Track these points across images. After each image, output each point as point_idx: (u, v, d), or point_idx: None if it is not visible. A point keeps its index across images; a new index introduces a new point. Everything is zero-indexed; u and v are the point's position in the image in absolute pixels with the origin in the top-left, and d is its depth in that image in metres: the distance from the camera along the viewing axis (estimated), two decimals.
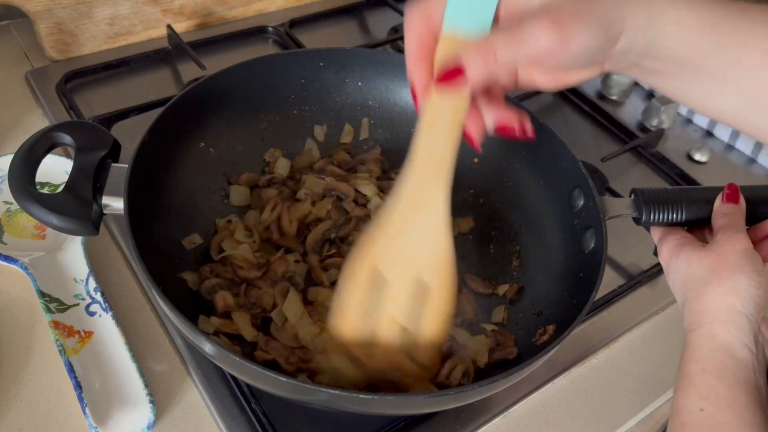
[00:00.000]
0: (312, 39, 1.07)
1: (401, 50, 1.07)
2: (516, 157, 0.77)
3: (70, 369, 0.62)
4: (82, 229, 0.56)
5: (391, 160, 0.81)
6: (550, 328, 0.63)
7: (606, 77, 1.09)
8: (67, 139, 0.59)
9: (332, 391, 0.51)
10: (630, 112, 1.07)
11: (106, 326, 0.66)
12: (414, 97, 0.52)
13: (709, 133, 1.06)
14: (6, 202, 0.75)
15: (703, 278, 0.55)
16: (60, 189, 0.57)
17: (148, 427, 0.60)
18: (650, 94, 1.10)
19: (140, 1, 0.97)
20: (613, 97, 1.08)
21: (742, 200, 0.60)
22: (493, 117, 0.53)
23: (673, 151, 1.01)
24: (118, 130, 0.85)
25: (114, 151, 0.60)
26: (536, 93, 1.03)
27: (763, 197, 0.62)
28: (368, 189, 0.77)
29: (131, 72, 0.96)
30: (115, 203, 0.58)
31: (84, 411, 0.59)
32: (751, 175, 1.01)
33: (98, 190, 0.57)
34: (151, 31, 1.01)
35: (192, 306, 0.65)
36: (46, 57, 0.95)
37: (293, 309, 0.65)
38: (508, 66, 0.46)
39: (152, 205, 0.64)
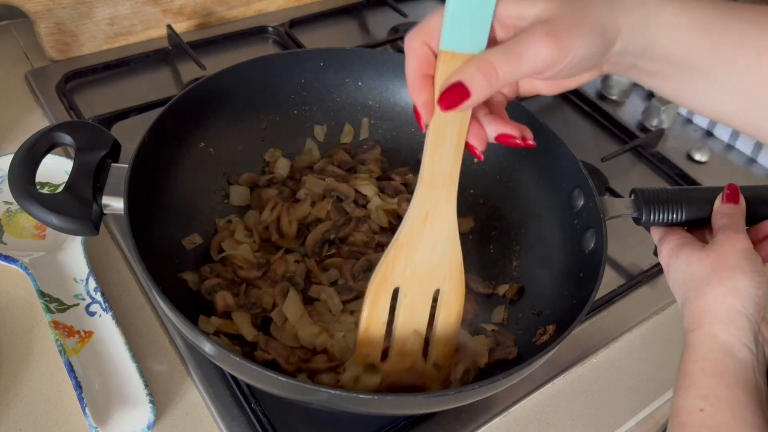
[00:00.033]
0: (312, 39, 1.07)
1: (401, 50, 1.07)
2: (516, 157, 0.77)
3: (70, 369, 0.62)
4: (82, 229, 0.56)
5: (391, 160, 0.81)
6: (550, 328, 0.63)
7: (606, 77, 1.09)
8: (67, 139, 0.59)
9: (332, 391, 0.51)
10: (630, 112, 1.07)
11: (106, 326, 0.66)
12: (417, 118, 0.52)
13: (709, 133, 1.06)
14: (6, 202, 0.75)
15: (703, 278, 0.55)
16: (60, 189, 0.57)
17: (148, 427, 0.60)
18: (650, 94, 1.10)
19: (140, 1, 0.97)
20: (613, 97, 1.08)
21: (742, 200, 0.60)
22: (494, 127, 0.54)
23: (673, 151, 1.01)
24: (118, 130, 0.85)
25: (114, 151, 0.60)
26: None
27: (763, 197, 0.62)
28: (368, 189, 0.77)
29: (131, 72, 0.96)
30: (115, 203, 0.58)
31: (84, 411, 0.59)
32: (751, 175, 1.01)
33: (98, 190, 0.57)
34: (151, 31, 1.01)
35: (192, 306, 0.65)
36: (46, 57, 0.95)
37: (293, 309, 0.65)
38: (509, 81, 0.46)
39: (152, 205, 0.64)
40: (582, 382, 0.72)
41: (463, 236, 0.77)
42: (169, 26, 0.98)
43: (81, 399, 0.60)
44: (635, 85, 1.10)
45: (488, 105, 0.54)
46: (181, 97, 0.68)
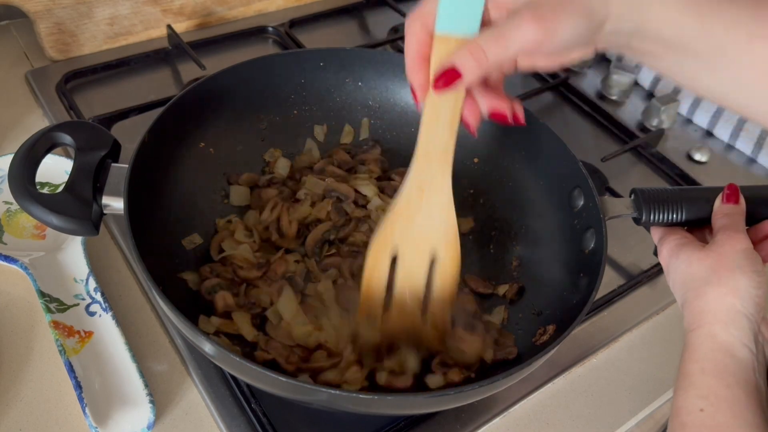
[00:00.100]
0: (312, 39, 1.07)
1: (401, 50, 1.07)
2: (516, 157, 0.77)
3: (70, 369, 0.62)
4: (82, 229, 0.56)
5: (391, 160, 0.81)
6: (550, 328, 0.63)
7: (606, 77, 1.09)
8: (67, 139, 0.59)
9: (332, 391, 0.51)
10: (630, 112, 1.07)
11: (106, 326, 0.66)
12: (414, 97, 0.56)
13: (709, 133, 1.06)
14: (6, 202, 0.75)
15: (703, 278, 0.55)
16: (60, 189, 0.57)
17: (148, 427, 0.60)
18: (650, 94, 1.10)
19: (140, 1, 0.97)
20: (613, 97, 1.08)
21: (742, 200, 0.60)
22: (488, 105, 0.57)
23: (673, 151, 1.01)
24: (118, 130, 0.85)
25: (114, 151, 0.60)
26: (536, 93, 1.03)
27: (763, 197, 0.62)
28: (368, 189, 0.77)
29: (131, 72, 0.96)
30: (115, 203, 0.58)
31: (84, 411, 0.59)
32: (751, 175, 1.01)
33: (98, 190, 0.57)
34: (151, 31, 1.01)
35: (192, 306, 0.65)
36: (46, 57, 0.95)
37: (288, 307, 0.65)
38: (499, 62, 0.49)
39: (152, 205, 0.64)
40: (582, 382, 0.72)
41: (463, 236, 0.77)
42: (169, 26, 0.99)
43: (81, 399, 0.60)
44: (635, 85, 1.10)
45: (484, 84, 0.56)
46: (181, 97, 0.68)
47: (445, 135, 0.57)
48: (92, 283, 0.69)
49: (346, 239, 0.74)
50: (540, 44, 0.47)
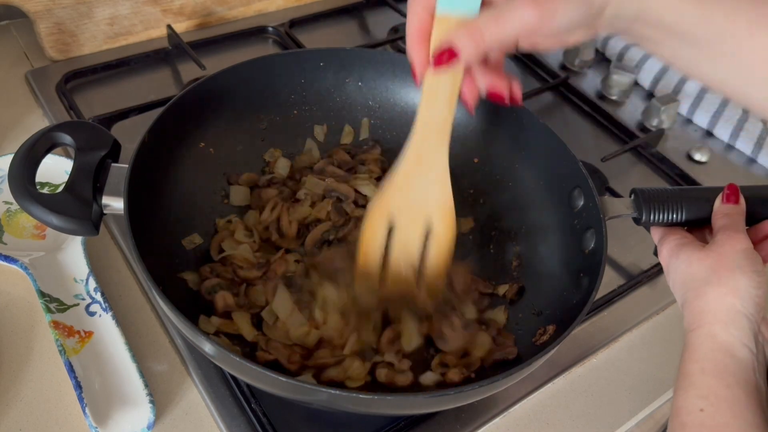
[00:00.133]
0: (312, 39, 1.07)
1: (401, 50, 1.07)
2: (516, 157, 0.77)
3: (70, 369, 0.62)
4: (82, 229, 0.56)
5: (391, 160, 0.81)
6: (550, 328, 0.63)
7: (606, 77, 1.09)
8: (67, 139, 0.59)
9: (332, 391, 0.51)
10: (630, 112, 1.07)
11: (106, 326, 0.66)
12: (414, 74, 0.58)
13: (709, 133, 1.06)
14: (6, 202, 0.75)
15: (703, 278, 0.55)
16: (60, 189, 0.57)
17: (148, 427, 0.60)
18: (650, 94, 1.10)
19: (140, 1, 0.97)
20: (613, 97, 1.08)
21: (742, 200, 0.60)
22: (486, 84, 0.58)
23: (673, 151, 1.01)
24: (118, 130, 0.85)
25: (114, 151, 0.60)
26: (536, 93, 1.03)
27: (763, 197, 0.62)
28: (368, 189, 0.77)
29: (131, 72, 0.96)
30: (115, 203, 0.58)
31: (84, 411, 0.59)
32: (751, 175, 1.01)
33: (98, 190, 0.57)
34: (151, 31, 1.01)
35: (192, 306, 0.65)
36: (46, 57, 0.95)
37: (283, 306, 0.65)
38: (497, 43, 0.50)
39: (152, 205, 0.64)
40: (582, 382, 0.72)
41: (463, 236, 0.77)
42: (169, 26, 0.99)
43: (81, 399, 0.60)
44: (635, 85, 1.10)
45: (484, 63, 0.58)
46: (181, 97, 0.68)
47: (443, 111, 0.60)
48: (92, 283, 0.69)
49: (346, 239, 0.74)
50: (538, 27, 0.48)
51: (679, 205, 0.63)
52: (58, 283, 0.69)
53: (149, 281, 0.53)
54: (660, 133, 1.00)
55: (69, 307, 0.67)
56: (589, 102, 1.04)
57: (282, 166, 0.78)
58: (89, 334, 0.65)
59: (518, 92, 0.59)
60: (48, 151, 0.58)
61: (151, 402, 0.61)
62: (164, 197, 0.67)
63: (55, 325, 0.65)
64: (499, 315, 0.70)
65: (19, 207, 0.55)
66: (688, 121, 1.07)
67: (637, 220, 0.64)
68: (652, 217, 0.63)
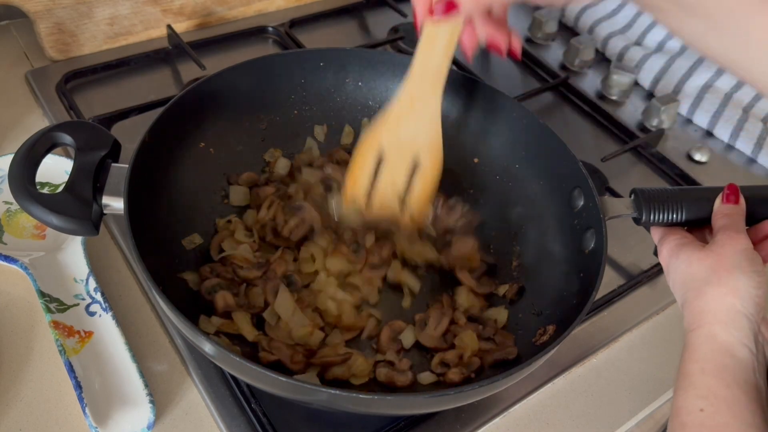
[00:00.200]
0: (312, 39, 1.07)
1: (401, 50, 1.07)
2: (516, 157, 0.77)
3: (70, 369, 0.62)
4: (82, 229, 0.56)
5: None
6: (550, 328, 0.63)
7: (606, 77, 1.09)
8: (67, 139, 0.59)
9: (332, 391, 0.51)
10: (630, 112, 1.07)
11: (106, 326, 0.66)
12: (415, 21, 0.61)
13: (709, 133, 1.06)
14: (6, 202, 0.75)
15: (703, 278, 0.55)
16: (60, 189, 0.57)
17: (148, 427, 0.60)
18: (650, 94, 1.10)
19: (140, 1, 0.97)
20: (613, 97, 1.08)
21: (742, 200, 0.60)
22: (486, 35, 0.60)
23: (673, 151, 1.01)
24: (118, 130, 0.85)
25: (114, 151, 0.60)
26: (536, 93, 1.03)
27: (763, 197, 0.62)
28: None
29: (131, 72, 0.96)
30: (115, 203, 0.58)
31: (84, 411, 0.59)
32: (751, 175, 1.01)
33: (98, 190, 0.57)
34: (151, 31, 1.01)
35: (192, 306, 0.65)
36: (46, 57, 0.95)
37: (285, 306, 0.65)
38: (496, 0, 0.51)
39: (152, 205, 0.64)
40: (582, 382, 0.72)
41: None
42: (169, 26, 0.98)
43: (81, 399, 0.60)
44: (635, 85, 1.10)
45: (487, 12, 0.60)
46: (181, 97, 0.68)
47: (439, 59, 0.64)
48: (92, 283, 0.69)
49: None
50: None
51: (679, 205, 0.63)
52: (58, 283, 0.69)
53: (149, 281, 0.53)
54: (660, 133, 1.00)
55: (69, 307, 0.67)
56: (589, 102, 1.04)
57: (282, 166, 0.78)
58: (89, 334, 0.65)
59: (517, 46, 0.61)
60: (48, 151, 0.58)
61: (151, 402, 0.61)
62: (164, 197, 0.67)
63: (55, 325, 0.65)
64: (500, 315, 0.70)
65: (19, 207, 0.55)
66: (688, 121, 1.07)
67: (637, 220, 0.64)
68: (652, 217, 0.63)
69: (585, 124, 1.03)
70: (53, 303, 0.67)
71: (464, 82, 0.79)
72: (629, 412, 0.71)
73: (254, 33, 1.06)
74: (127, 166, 0.59)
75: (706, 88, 1.07)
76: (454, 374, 0.63)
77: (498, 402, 0.68)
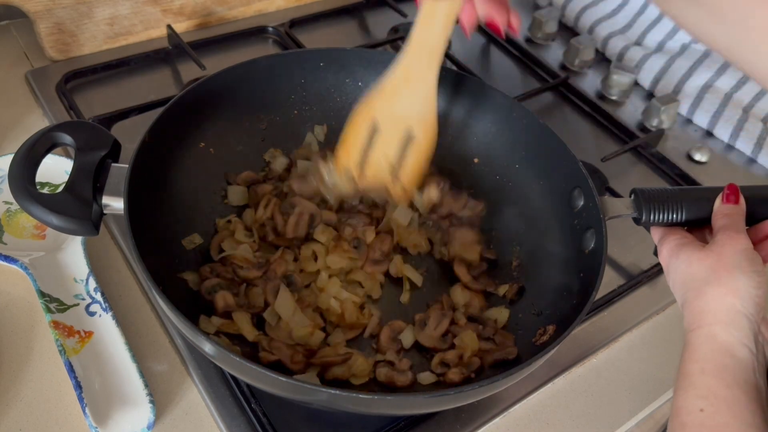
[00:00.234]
0: (312, 39, 1.07)
1: None
2: (516, 158, 0.77)
3: (70, 369, 0.62)
4: (82, 229, 0.56)
5: None
6: (550, 328, 0.63)
7: (606, 77, 1.09)
8: (67, 139, 0.59)
9: (332, 391, 0.51)
10: (630, 112, 1.07)
11: (106, 326, 0.66)
12: None
13: (709, 133, 1.06)
14: (6, 202, 0.75)
15: (703, 278, 0.55)
16: (60, 189, 0.57)
17: (148, 427, 0.60)
18: (650, 94, 1.10)
19: (140, 1, 0.97)
20: (613, 97, 1.08)
21: (742, 200, 0.60)
22: (486, 13, 0.61)
23: (673, 151, 1.01)
24: (118, 130, 0.85)
25: (114, 151, 0.60)
26: (536, 93, 1.03)
27: (763, 197, 0.62)
28: None
29: (131, 72, 0.96)
30: (115, 203, 0.58)
31: (84, 411, 0.59)
32: (751, 175, 1.01)
33: (98, 190, 0.57)
34: (151, 31, 1.01)
35: (192, 306, 0.65)
36: (46, 57, 0.95)
37: (285, 306, 0.65)
38: None
39: (152, 205, 0.64)
40: (582, 382, 0.72)
41: None
42: (169, 26, 0.98)
43: (81, 399, 0.60)
44: (635, 85, 1.10)
45: None
46: (181, 97, 0.68)
47: (437, 35, 0.64)
48: (92, 283, 0.69)
49: (343, 207, 0.76)
50: None
51: (679, 205, 0.63)
52: (58, 283, 0.69)
53: (149, 281, 0.53)
54: (660, 133, 1.00)
55: (69, 307, 0.67)
56: (589, 102, 1.04)
57: (280, 163, 0.78)
58: (89, 334, 0.65)
59: (516, 23, 0.62)
60: (48, 151, 0.58)
61: (151, 402, 0.61)
62: (164, 197, 0.67)
63: (55, 325, 0.65)
64: (500, 314, 0.70)
65: (19, 207, 0.55)
66: (688, 121, 1.07)
67: (637, 220, 0.64)
68: (652, 217, 0.63)
69: (585, 124, 1.03)
70: (53, 303, 0.67)
71: (464, 81, 0.79)
72: (629, 412, 0.71)
73: (254, 33, 1.06)
74: (127, 166, 0.59)
75: (706, 88, 1.07)
76: (454, 374, 0.63)
77: (498, 402, 0.68)
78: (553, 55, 1.15)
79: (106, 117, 0.86)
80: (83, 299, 0.68)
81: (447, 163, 0.80)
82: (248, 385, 0.64)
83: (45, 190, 0.75)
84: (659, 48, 1.15)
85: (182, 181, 0.70)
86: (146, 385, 0.62)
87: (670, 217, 0.63)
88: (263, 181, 0.77)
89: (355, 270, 0.72)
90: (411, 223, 0.75)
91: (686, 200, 0.63)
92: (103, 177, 0.58)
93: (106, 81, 0.94)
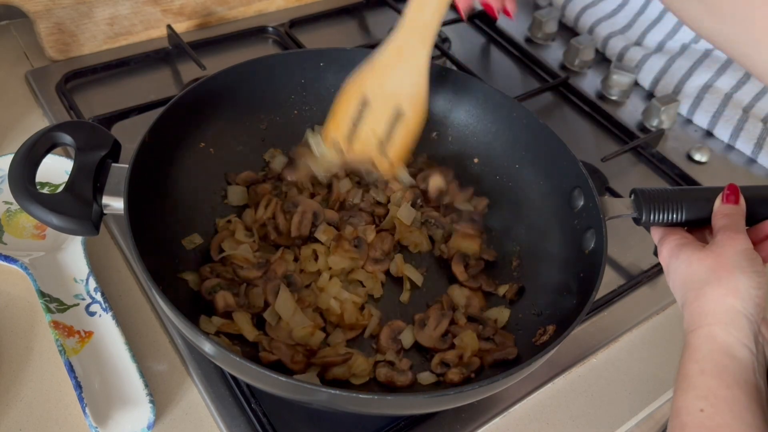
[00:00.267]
0: (312, 39, 1.07)
1: None
2: (516, 158, 0.77)
3: (70, 369, 0.62)
4: (82, 229, 0.56)
5: None
6: (550, 328, 0.63)
7: (606, 77, 1.09)
8: (67, 139, 0.59)
9: (332, 391, 0.51)
10: (630, 112, 1.07)
11: (106, 326, 0.66)
12: None
13: (709, 133, 1.06)
14: (6, 202, 0.75)
15: (703, 279, 0.55)
16: (60, 189, 0.57)
17: (148, 427, 0.60)
18: (650, 94, 1.10)
19: (140, 1, 0.97)
20: (613, 97, 1.08)
21: (742, 201, 0.60)
22: None
23: (673, 151, 1.01)
24: (118, 130, 0.85)
25: (114, 151, 0.60)
26: (536, 93, 1.03)
27: (763, 197, 0.62)
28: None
29: (131, 72, 0.96)
30: (115, 203, 0.58)
31: (84, 411, 0.59)
32: (751, 175, 1.01)
33: (98, 190, 0.57)
34: (151, 31, 1.01)
35: (193, 306, 0.65)
36: (46, 57, 0.95)
37: (286, 306, 0.65)
38: None
39: (152, 205, 0.64)
40: (582, 382, 0.72)
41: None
42: (169, 26, 0.98)
43: (81, 399, 0.60)
44: (635, 85, 1.10)
45: None
46: (181, 97, 0.68)
47: (430, 16, 0.66)
48: (92, 283, 0.69)
49: (345, 205, 0.76)
50: None
51: (679, 206, 0.63)
52: (58, 283, 0.69)
53: (149, 281, 0.53)
54: (660, 133, 1.00)
55: (69, 307, 0.67)
56: (589, 102, 1.04)
57: (279, 162, 0.78)
58: (89, 334, 0.65)
59: (511, 8, 0.63)
60: (48, 151, 0.58)
61: (151, 402, 0.61)
62: (164, 197, 0.67)
63: (55, 325, 0.65)
64: (500, 314, 0.70)
65: (19, 207, 0.55)
66: (688, 121, 1.07)
67: (637, 221, 0.64)
68: (652, 218, 0.63)
69: (585, 124, 1.03)
70: (53, 303, 0.67)
71: (464, 81, 0.79)
72: (629, 412, 0.71)
73: (254, 33, 1.06)
74: (127, 166, 0.59)
75: (706, 88, 1.07)
76: (454, 374, 0.63)
77: (498, 402, 0.68)
78: (553, 55, 1.15)
79: (106, 117, 0.86)
80: (83, 299, 0.68)
81: (447, 163, 0.80)
82: (248, 385, 0.64)
83: (45, 190, 0.75)
84: (659, 48, 1.15)
85: (182, 181, 0.70)
86: (146, 385, 0.62)
87: (670, 217, 0.63)
88: (263, 181, 0.77)
89: (356, 269, 0.72)
90: (413, 222, 0.75)
91: (686, 200, 0.63)
92: (103, 177, 0.58)
93: (106, 81, 0.94)
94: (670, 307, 0.80)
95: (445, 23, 1.08)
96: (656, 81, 1.09)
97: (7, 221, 0.74)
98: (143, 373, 0.63)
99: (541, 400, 0.70)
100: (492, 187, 0.78)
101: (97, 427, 0.58)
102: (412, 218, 0.74)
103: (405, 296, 0.72)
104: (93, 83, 0.94)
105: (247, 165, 0.77)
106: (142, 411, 0.60)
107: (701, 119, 1.06)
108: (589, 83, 1.10)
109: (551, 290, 0.68)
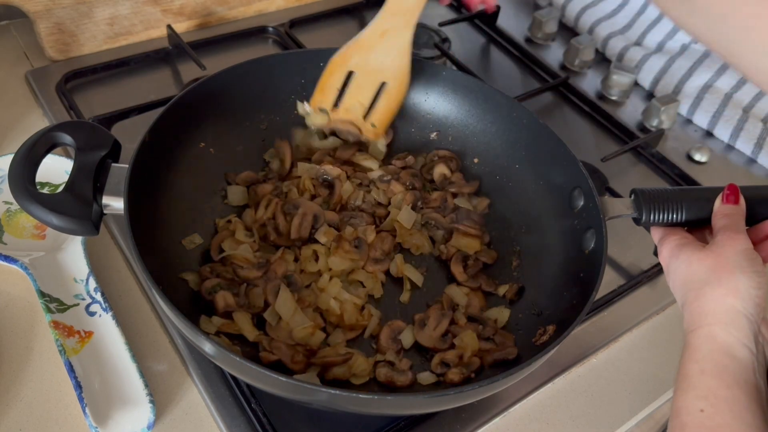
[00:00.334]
0: (312, 39, 1.07)
1: None
2: (516, 158, 0.77)
3: (70, 369, 0.62)
4: (82, 229, 0.56)
5: (389, 154, 0.82)
6: (550, 328, 0.63)
7: (606, 77, 1.09)
8: (67, 139, 0.59)
9: (332, 391, 0.51)
10: (630, 112, 1.07)
11: (106, 326, 0.66)
12: None
13: (709, 133, 1.06)
14: (6, 202, 0.75)
15: (703, 279, 0.55)
16: (60, 189, 0.57)
17: (148, 427, 0.60)
18: (650, 95, 1.10)
19: (140, 1, 0.97)
20: (613, 97, 1.08)
21: (742, 201, 0.60)
22: None
23: (673, 151, 1.01)
24: (118, 130, 0.85)
25: (114, 151, 0.60)
26: (536, 93, 1.03)
27: (763, 197, 0.62)
28: (371, 163, 0.79)
29: (131, 72, 0.96)
30: (115, 203, 0.58)
31: (84, 411, 0.59)
32: (751, 175, 1.01)
33: (98, 190, 0.57)
34: (151, 31, 1.01)
35: (193, 306, 0.65)
36: (46, 57, 0.95)
37: (286, 306, 0.65)
38: None
39: (152, 205, 0.64)
40: (582, 382, 0.72)
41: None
42: (169, 26, 0.98)
43: (81, 399, 0.60)
44: (635, 85, 1.10)
45: None
46: (181, 97, 0.68)
47: (414, 1, 0.71)
48: (92, 283, 0.69)
49: (346, 207, 0.76)
50: None
51: (679, 206, 0.63)
52: (58, 283, 0.69)
53: (149, 281, 0.53)
54: (660, 133, 1.00)
55: (69, 307, 0.67)
56: (589, 102, 1.04)
57: (279, 162, 0.78)
58: (89, 334, 0.65)
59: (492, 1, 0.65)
60: (48, 151, 0.58)
61: (151, 402, 0.61)
62: (164, 197, 0.67)
63: (55, 325, 0.65)
64: (500, 314, 0.70)
65: (19, 207, 0.55)
66: (688, 121, 1.07)
67: (637, 221, 0.64)
68: (652, 218, 0.63)
69: (585, 124, 1.03)
70: (53, 303, 0.67)
71: (464, 81, 0.79)
72: (629, 412, 0.71)
73: (254, 33, 1.06)
74: (127, 166, 0.59)
75: (706, 88, 1.07)
76: (454, 374, 0.63)
77: (498, 402, 0.68)
78: (553, 55, 1.15)
79: (106, 117, 0.86)
80: (83, 299, 0.68)
81: None
82: (248, 385, 0.64)
83: (45, 190, 0.75)
84: (659, 48, 1.15)
85: (182, 181, 0.70)
86: (146, 385, 0.62)
87: (670, 218, 0.63)
88: (263, 181, 0.77)
89: (356, 270, 0.72)
90: (413, 225, 0.75)
91: (686, 200, 0.63)
92: (103, 177, 0.58)
93: (106, 81, 0.94)
94: (670, 307, 0.80)
95: (446, 23, 1.08)
96: (656, 81, 1.09)
97: (7, 221, 0.74)
98: (143, 373, 0.63)
99: (541, 400, 0.70)
100: (492, 187, 0.79)
101: (97, 427, 0.58)
102: (412, 221, 0.74)
103: (405, 296, 0.72)
104: (93, 83, 0.94)
105: (247, 165, 0.77)
106: (142, 411, 0.60)
107: (701, 119, 1.06)
108: (589, 83, 1.10)
109: (551, 290, 0.68)
